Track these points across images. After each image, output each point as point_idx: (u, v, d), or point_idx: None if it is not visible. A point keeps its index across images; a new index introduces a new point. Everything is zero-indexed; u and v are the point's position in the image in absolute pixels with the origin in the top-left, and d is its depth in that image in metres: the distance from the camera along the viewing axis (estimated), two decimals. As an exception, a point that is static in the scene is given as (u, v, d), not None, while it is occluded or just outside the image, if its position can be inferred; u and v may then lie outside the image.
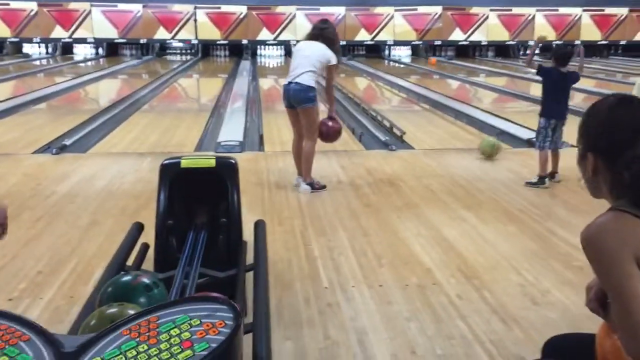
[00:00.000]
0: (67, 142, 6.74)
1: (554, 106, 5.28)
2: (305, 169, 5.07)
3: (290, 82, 4.90)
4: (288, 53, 20.24)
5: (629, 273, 1.25)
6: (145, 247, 2.94)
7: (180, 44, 19.95)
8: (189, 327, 1.17)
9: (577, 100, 9.77)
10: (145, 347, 1.14)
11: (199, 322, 1.18)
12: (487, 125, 8.04)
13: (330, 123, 5.13)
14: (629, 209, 1.31)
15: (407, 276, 3.41)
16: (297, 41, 21.24)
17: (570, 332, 1.77)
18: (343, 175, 5.60)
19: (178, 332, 1.16)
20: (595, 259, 1.30)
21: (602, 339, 1.44)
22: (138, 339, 1.16)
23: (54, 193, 4.93)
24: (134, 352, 1.13)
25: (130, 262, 2.73)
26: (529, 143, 6.75)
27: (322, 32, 4.98)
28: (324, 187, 5.09)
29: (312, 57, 4.86)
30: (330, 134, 5.17)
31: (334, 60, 4.89)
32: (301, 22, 19.74)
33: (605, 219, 1.32)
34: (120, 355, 1.13)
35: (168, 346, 1.13)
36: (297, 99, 4.89)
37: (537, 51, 5.39)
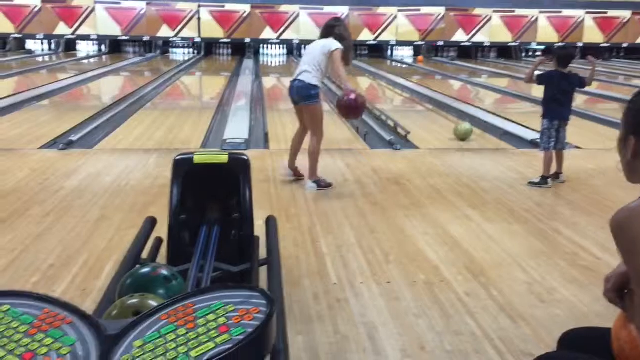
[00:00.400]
0: (74, 137, 6.77)
1: (556, 108, 5.31)
2: (312, 167, 5.10)
3: (294, 80, 5.03)
4: (290, 52, 20.30)
5: None
6: (159, 241, 2.98)
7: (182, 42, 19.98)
8: (225, 312, 1.20)
9: (579, 102, 9.81)
10: (184, 331, 1.18)
11: (233, 308, 1.21)
12: (491, 126, 8.08)
13: (351, 96, 4.93)
14: None
15: (415, 273, 3.44)
16: (300, 40, 21.36)
17: (586, 326, 1.81)
18: (349, 173, 5.64)
19: (214, 317, 1.20)
20: (623, 242, 1.33)
21: (618, 330, 1.47)
22: (176, 324, 1.19)
23: (63, 188, 4.97)
24: (174, 336, 1.17)
25: (144, 255, 2.77)
26: (533, 144, 6.79)
27: (332, 29, 5.03)
28: (330, 185, 5.11)
29: (315, 54, 4.93)
30: (344, 107, 5.04)
31: (334, 45, 4.87)
32: (305, 21, 19.78)
33: (637, 205, 1.35)
34: (161, 339, 1.17)
35: (205, 330, 1.17)
36: (299, 96, 5.00)
37: (536, 72, 5.39)
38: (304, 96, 4.96)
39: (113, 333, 1.20)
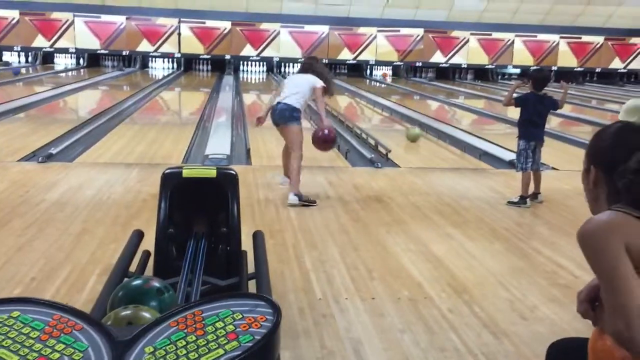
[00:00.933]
0: (53, 151, 6.71)
1: (532, 129, 5.43)
2: (294, 181, 5.21)
3: (278, 102, 5.33)
4: (270, 69, 20.40)
5: (619, 257, 1.40)
6: (147, 254, 2.98)
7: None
8: (233, 320, 1.22)
9: (553, 125, 10.03)
10: (194, 338, 1.19)
11: (241, 316, 1.23)
12: (470, 146, 8.21)
13: (325, 131, 5.56)
14: (621, 208, 1.49)
15: (399, 289, 3.48)
16: (280, 58, 21.48)
17: (573, 337, 1.87)
18: (331, 190, 5.68)
19: (223, 324, 1.22)
20: (589, 249, 1.44)
21: (593, 343, 1.53)
22: (186, 331, 1.21)
23: (44, 201, 4.92)
24: (184, 342, 1.18)
25: (132, 268, 2.76)
26: (510, 164, 6.91)
27: (311, 66, 5.53)
28: (314, 202, 5.17)
29: (301, 84, 5.36)
30: (320, 140, 5.59)
31: (318, 83, 5.34)
32: (285, 39, 19.93)
33: (600, 215, 1.51)
34: (171, 345, 1.18)
35: (215, 337, 1.19)
36: (282, 117, 5.28)
37: (514, 94, 5.54)
38: (286, 117, 5.26)
39: (124, 339, 1.21)
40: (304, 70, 5.55)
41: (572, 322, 3.15)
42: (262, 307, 1.26)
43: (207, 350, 1.16)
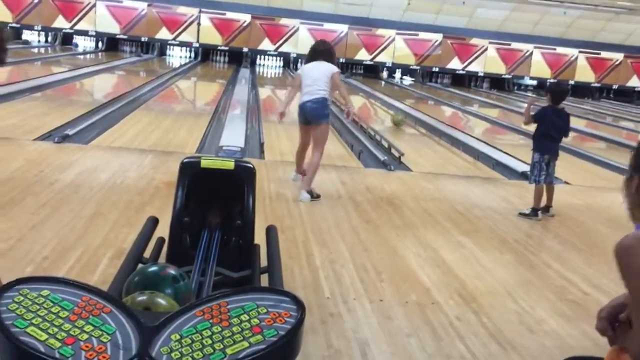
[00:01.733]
0: (70, 132, 6.75)
1: (548, 143, 5.40)
2: (309, 178, 5.26)
3: (306, 101, 5.27)
4: (287, 65, 20.40)
5: None
6: (162, 241, 2.99)
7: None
8: (257, 314, 1.24)
9: (568, 139, 9.97)
10: (219, 329, 1.20)
11: (265, 310, 1.24)
12: (483, 155, 8.19)
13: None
14: None
15: (407, 293, 3.48)
16: (297, 54, 21.40)
17: (585, 355, 1.85)
18: (343, 190, 5.68)
19: (247, 317, 1.23)
20: (625, 264, 1.41)
21: None
22: (211, 321, 1.22)
23: (58, 181, 4.95)
24: (209, 332, 1.20)
25: (146, 254, 2.78)
26: (523, 175, 6.89)
27: (323, 51, 5.50)
28: (318, 196, 5.25)
29: (321, 77, 5.28)
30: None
31: (335, 69, 5.37)
32: (304, 36, 19.90)
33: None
34: (197, 334, 1.19)
35: (240, 330, 1.20)
36: (315, 116, 5.28)
37: (531, 112, 5.51)
38: (320, 115, 5.28)
39: (151, 325, 1.22)
40: (315, 56, 5.46)
41: (580, 338, 3.14)
42: (286, 303, 1.27)
43: (232, 342, 1.17)
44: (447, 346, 2.91)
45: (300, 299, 1.29)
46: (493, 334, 3.09)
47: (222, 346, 1.16)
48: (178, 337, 1.19)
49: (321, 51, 5.50)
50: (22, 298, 1.22)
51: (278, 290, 1.35)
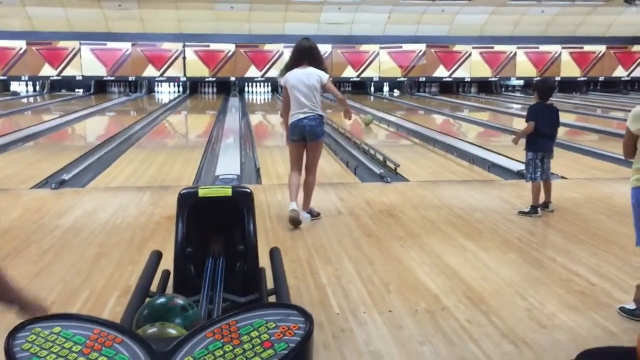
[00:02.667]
0: (66, 177, 6.78)
1: (540, 140, 5.43)
2: (308, 199, 5.25)
3: (302, 119, 5.04)
4: (275, 90, 20.54)
5: None
6: (167, 273, 3.01)
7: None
8: (267, 329, 1.26)
9: (560, 134, 9.96)
10: (231, 347, 1.22)
11: (274, 325, 1.26)
12: (478, 158, 8.23)
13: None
14: None
15: (416, 302, 3.49)
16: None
17: (606, 346, 1.83)
18: (342, 206, 5.70)
19: (257, 334, 1.25)
20: None
21: None
22: (222, 340, 1.24)
23: (58, 227, 4.97)
24: (221, 352, 1.21)
25: (153, 288, 2.79)
26: (519, 174, 6.92)
27: (307, 51, 5.09)
28: (318, 214, 5.25)
29: (312, 87, 4.99)
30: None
31: (325, 77, 5.07)
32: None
33: None
34: (209, 354, 1.21)
35: (251, 346, 1.21)
36: (314, 134, 5.07)
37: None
38: (318, 132, 5.09)
39: (163, 350, 1.24)
40: (300, 58, 5.06)
41: (591, 329, 3.15)
42: (294, 316, 1.29)
43: (244, 359, 1.19)
44: (460, 350, 2.92)
45: (307, 311, 1.31)
46: (505, 333, 3.09)
47: (234, 364, 1.18)
48: (191, 359, 1.21)
49: (305, 51, 5.07)
50: (34, 337, 1.24)
51: (285, 304, 1.37)
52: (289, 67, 5.13)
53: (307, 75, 5.02)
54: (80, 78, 19.86)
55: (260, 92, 20.78)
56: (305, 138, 5.10)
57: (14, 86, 20.23)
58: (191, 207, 3.02)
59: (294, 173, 5.27)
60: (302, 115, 5.04)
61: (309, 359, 1.25)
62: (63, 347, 1.22)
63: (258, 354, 1.20)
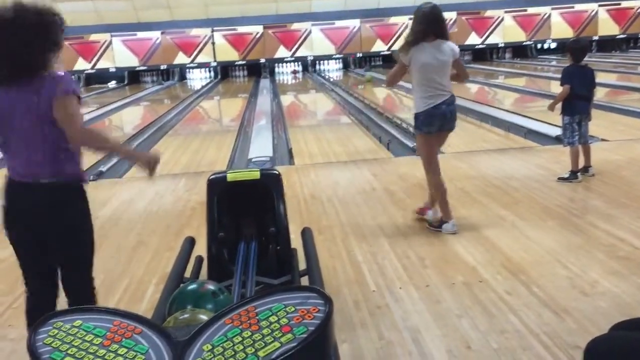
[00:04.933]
0: (103, 168, 6.90)
1: (576, 103, 5.26)
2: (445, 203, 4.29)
3: (440, 104, 4.11)
4: (305, 68, 20.43)
5: None
6: (201, 259, 3.04)
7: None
8: (286, 314, 1.25)
9: (600, 95, 9.72)
10: (249, 334, 1.22)
11: (294, 309, 1.25)
12: (514, 125, 8.05)
13: None
14: None
15: (453, 275, 3.45)
16: (314, 56, 21.28)
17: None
18: (376, 182, 5.66)
19: (276, 318, 1.24)
20: None
21: None
22: (241, 327, 1.24)
23: (97, 218, 5.01)
24: (240, 338, 1.21)
25: (187, 274, 2.82)
26: (557, 139, 6.74)
27: (442, 21, 4.18)
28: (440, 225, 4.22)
29: (446, 64, 4.13)
30: None
31: (458, 51, 4.22)
32: (317, 37, 19.95)
33: None
34: (228, 341, 1.21)
35: (270, 331, 1.21)
36: (454, 120, 4.26)
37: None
38: (455, 120, 4.27)
39: (182, 339, 1.24)
40: (429, 30, 4.05)
41: (635, 294, 3.06)
42: (313, 298, 1.27)
43: (263, 344, 1.18)
44: (499, 322, 2.87)
45: (327, 293, 1.30)
46: (546, 303, 3.03)
47: (253, 350, 1.18)
48: (210, 347, 1.21)
49: (437, 20, 4.10)
50: (56, 331, 1.26)
51: (304, 287, 1.35)
52: (415, 40, 4.08)
53: (440, 51, 4.09)
54: (114, 70, 20.12)
55: (291, 72, 20.72)
56: (445, 127, 4.22)
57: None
58: (221, 192, 3.03)
59: (441, 176, 4.33)
60: (439, 100, 4.10)
61: (329, 341, 1.24)
62: (84, 340, 1.23)
63: (277, 338, 1.19)
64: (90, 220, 2.52)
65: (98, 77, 20.74)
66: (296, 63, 20.60)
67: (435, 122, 4.17)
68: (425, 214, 4.41)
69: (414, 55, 4.09)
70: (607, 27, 20.77)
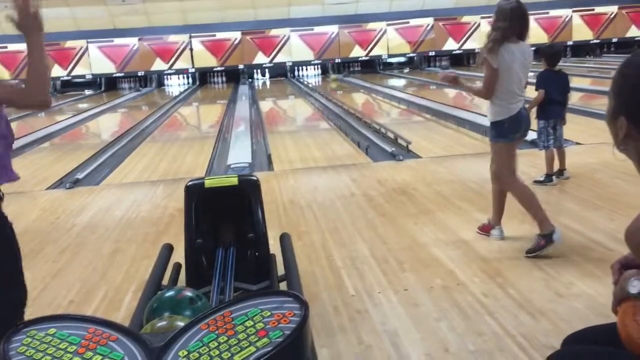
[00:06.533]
0: (80, 176, 6.83)
1: (551, 107, 5.34)
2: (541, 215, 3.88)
3: (522, 108, 3.94)
4: (284, 75, 20.44)
5: None
6: (179, 266, 3.03)
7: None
8: (262, 318, 1.25)
9: (574, 100, 9.86)
10: (225, 339, 1.22)
11: (269, 313, 1.26)
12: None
13: None
14: None
15: (431, 279, 3.47)
16: (293, 62, 21.37)
17: (588, 327, 1.75)
18: (355, 187, 5.68)
19: (252, 323, 1.24)
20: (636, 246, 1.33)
21: (624, 320, 1.43)
22: (217, 332, 1.24)
23: (75, 225, 5.01)
24: (216, 343, 1.21)
25: (164, 281, 2.81)
26: (532, 143, 6.83)
27: (528, 20, 3.88)
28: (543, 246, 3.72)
29: (528, 68, 3.91)
30: None
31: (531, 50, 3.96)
32: (296, 43, 19.99)
33: None
34: (204, 347, 1.21)
35: (245, 336, 1.21)
36: (530, 125, 4.07)
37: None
38: None
39: (158, 345, 1.24)
40: (514, 29, 3.76)
41: (610, 295, 3.09)
42: (289, 302, 1.28)
43: (239, 349, 1.19)
44: (476, 324, 2.90)
45: (303, 297, 1.30)
46: (522, 305, 3.07)
47: (229, 354, 1.18)
48: (185, 352, 1.21)
49: (524, 17, 3.79)
50: (30, 339, 1.25)
51: (280, 291, 1.37)
52: (501, 39, 3.76)
53: (524, 53, 3.83)
54: (90, 76, 19.94)
55: (270, 78, 20.71)
56: (525, 132, 4.04)
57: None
58: (199, 198, 3.02)
59: (522, 181, 4.05)
60: (521, 104, 3.91)
61: (305, 345, 1.25)
62: (58, 348, 1.23)
63: (253, 343, 1.19)
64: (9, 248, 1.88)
65: (74, 84, 20.55)
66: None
67: (522, 127, 3.93)
68: (490, 234, 4.06)
69: (504, 57, 3.77)
70: (581, 32, 21.12)
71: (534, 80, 5.50)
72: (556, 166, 5.41)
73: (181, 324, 1.84)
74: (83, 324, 1.30)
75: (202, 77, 20.49)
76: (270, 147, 8.08)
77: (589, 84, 13.29)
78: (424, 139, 8.00)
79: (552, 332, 2.77)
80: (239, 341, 1.20)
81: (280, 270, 3.00)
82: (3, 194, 1.91)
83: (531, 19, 3.58)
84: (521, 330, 2.81)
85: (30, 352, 1.21)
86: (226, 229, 3.05)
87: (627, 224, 4.29)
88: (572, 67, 15.03)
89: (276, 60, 20.16)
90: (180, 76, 20.48)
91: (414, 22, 20.50)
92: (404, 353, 2.69)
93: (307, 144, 8.21)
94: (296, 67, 20.50)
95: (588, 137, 7.21)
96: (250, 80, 20.04)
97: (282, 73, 20.54)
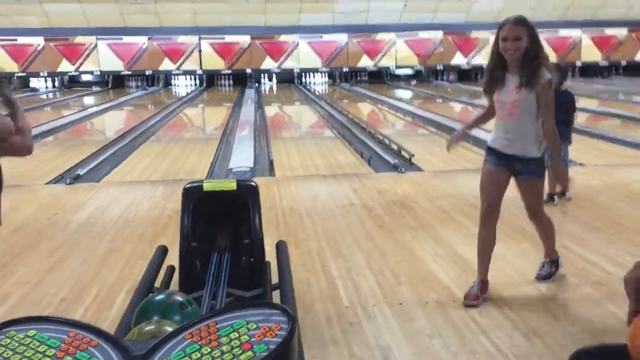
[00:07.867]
0: (81, 172, 6.82)
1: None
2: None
3: None
4: (291, 81, 20.46)
5: None
6: (172, 269, 3.00)
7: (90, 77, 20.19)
8: (247, 330, 1.22)
9: (581, 120, 9.87)
10: (208, 350, 1.19)
11: (255, 326, 1.23)
12: (494, 146, 8.09)
13: None
14: None
15: (427, 294, 3.44)
16: (300, 69, 21.71)
17: (598, 344, 1.76)
18: (355, 198, 5.65)
19: (237, 335, 1.21)
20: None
21: (635, 332, 1.45)
22: (200, 342, 1.21)
23: (71, 222, 4.99)
24: (198, 355, 1.18)
25: (157, 283, 2.78)
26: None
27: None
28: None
29: None
30: None
31: None
32: (305, 50, 20.03)
33: None
34: (186, 357, 1.18)
35: (229, 348, 1.18)
36: None
37: None
38: None
39: (139, 354, 1.21)
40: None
41: (607, 319, 3.07)
42: (276, 315, 1.25)
43: (221, 362, 1.16)
44: (471, 343, 2.86)
45: (291, 311, 1.27)
46: (517, 325, 3.03)
47: (211, 367, 1.15)
48: (167, 363, 1.19)
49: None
50: (9, 340, 1.22)
51: (268, 303, 1.33)
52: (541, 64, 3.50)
53: None
54: (98, 73, 20.00)
55: (277, 84, 20.73)
56: None
57: (33, 82, 20.44)
58: (196, 201, 3.00)
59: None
60: None
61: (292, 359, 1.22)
62: (37, 351, 1.20)
63: (236, 356, 1.16)
64: None
65: (81, 81, 20.61)
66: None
67: None
68: (555, 274, 3.66)
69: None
70: (590, 53, 21.15)
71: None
72: (559, 187, 5.37)
73: (169, 329, 1.81)
74: (64, 327, 1.28)
75: (210, 79, 20.54)
76: (272, 152, 8.06)
77: (596, 106, 13.29)
78: (427, 152, 7.98)
79: (546, 356, 2.73)
80: (222, 353, 1.17)
81: (275, 278, 2.97)
82: None
83: (540, 37, 3.46)
84: (515, 351, 2.78)
85: (7, 354, 1.18)
86: (222, 234, 3.02)
87: (627, 248, 4.23)
88: (579, 88, 15.01)
89: (284, 66, 20.20)
90: (188, 77, 20.54)
91: (423, 34, 20.54)
92: (395, 368, 2.66)
93: (310, 151, 8.19)
94: (303, 74, 20.53)
95: (592, 159, 7.19)
96: (257, 84, 20.09)
97: (289, 79, 20.59)
